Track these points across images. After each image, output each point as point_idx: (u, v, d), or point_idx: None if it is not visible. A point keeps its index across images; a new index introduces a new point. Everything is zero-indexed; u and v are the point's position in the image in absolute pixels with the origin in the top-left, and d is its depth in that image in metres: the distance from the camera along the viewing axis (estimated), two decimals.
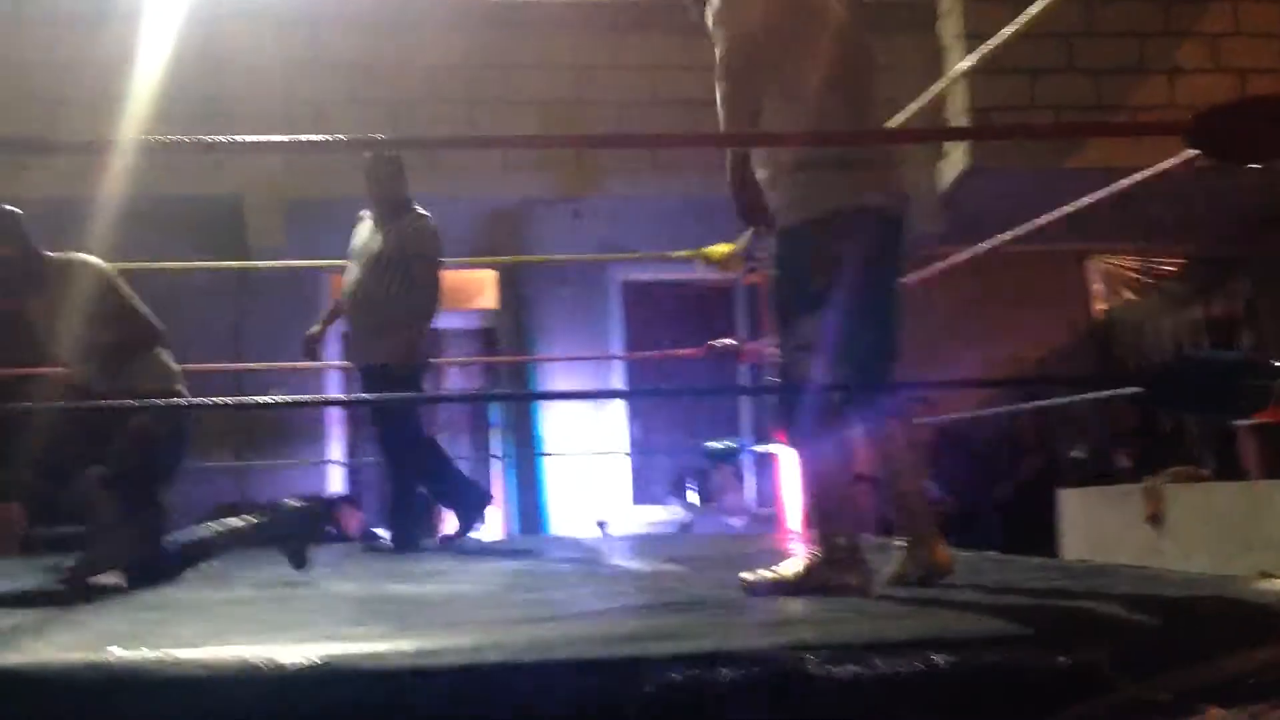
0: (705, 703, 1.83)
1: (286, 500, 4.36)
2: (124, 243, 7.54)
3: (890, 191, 3.02)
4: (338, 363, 7.59)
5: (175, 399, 3.87)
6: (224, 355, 7.54)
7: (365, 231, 5.54)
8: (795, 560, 2.94)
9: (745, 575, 2.92)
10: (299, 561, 4.02)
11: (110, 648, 1.89)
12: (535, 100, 8.46)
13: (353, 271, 5.45)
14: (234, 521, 4.14)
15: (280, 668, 1.84)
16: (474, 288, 9.63)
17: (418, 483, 5.59)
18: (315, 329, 5.61)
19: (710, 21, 3.00)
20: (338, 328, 5.92)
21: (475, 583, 3.48)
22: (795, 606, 2.63)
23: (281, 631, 2.29)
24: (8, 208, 3.93)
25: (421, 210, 5.50)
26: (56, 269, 3.95)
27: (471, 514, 5.68)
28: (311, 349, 5.59)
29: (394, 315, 5.32)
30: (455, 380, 9.66)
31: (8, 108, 8.13)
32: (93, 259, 4.06)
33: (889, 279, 3.06)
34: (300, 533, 4.13)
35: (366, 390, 5.48)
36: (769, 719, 1.83)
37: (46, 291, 3.90)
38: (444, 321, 9.52)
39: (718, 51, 2.96)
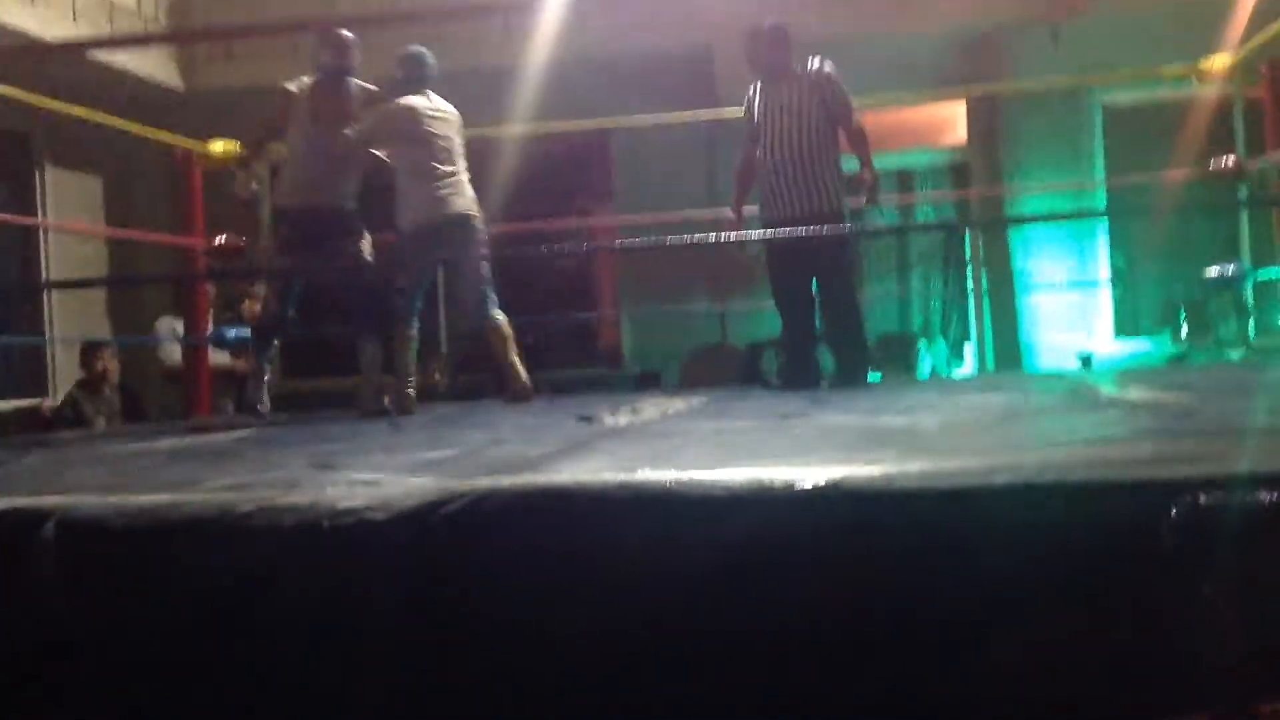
0: (1238, 528, 1.73)
1: None
2: (595, 100, 7.97)
3: None
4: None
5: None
6: (697, 203, 7.76)
7: (759, 99, 5.73)
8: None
9: None
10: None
11: (640, 469, 2.01)
12: None
13: (772, 132, 5.60)
14: None
15: (792, 487, 1.89)
16: (943, 122, 9.39)
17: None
18: (733, 216, 5.90)
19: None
20: None
21: (968, 413, 3.44)
22: None
23: (787, 456, 2.35)
24: None
25: (813, 62, 5.65)
26: None
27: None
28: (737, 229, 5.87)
29: (827, 164, 5.60)
30: (927, 218, 9.51)
31: None
32: None
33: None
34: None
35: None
36: None
37: None
38: (911, 159, 9.40)
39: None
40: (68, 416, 7.73)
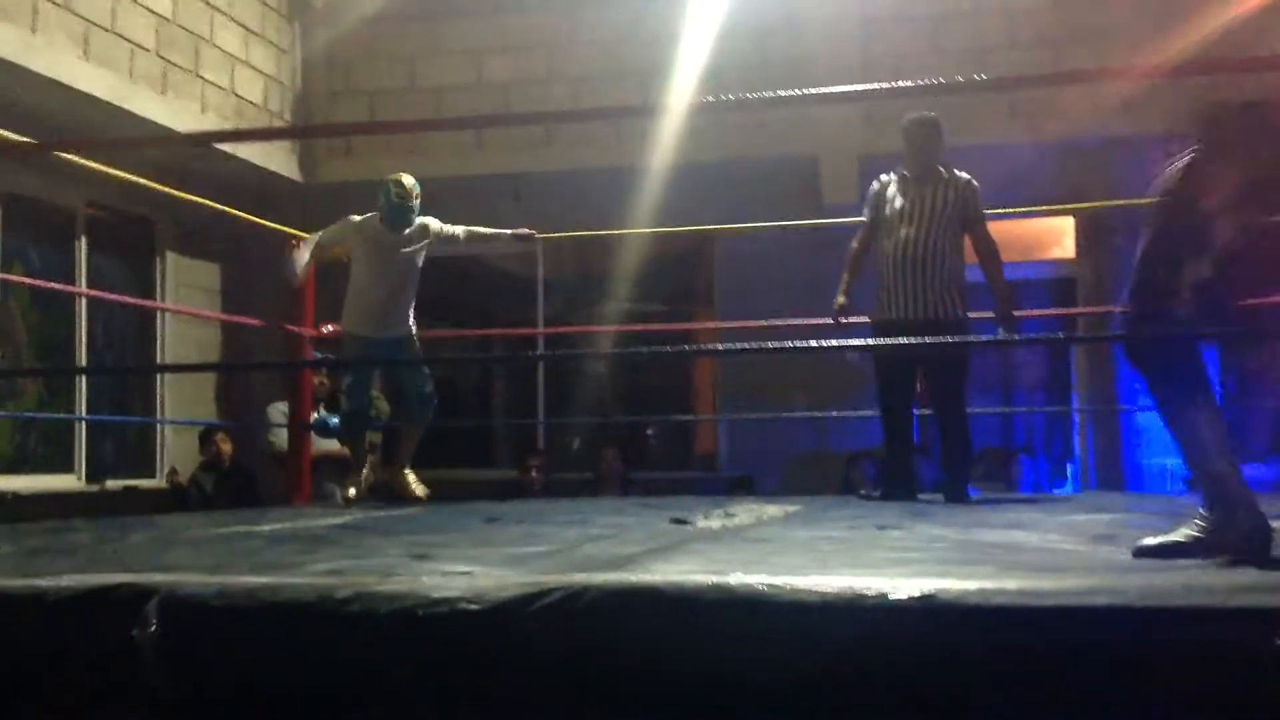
0: None
1: None
2: (702, 204, 8.06)
3: None
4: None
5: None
6: (799, 311, 7.76)
7: (893, 192, 5.60)
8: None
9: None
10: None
11: (732, 572, 2.01)
12: (1120, 33, 8.06)
13: (907, 228, 5.50)
14: None
15: (886, 598, 1.88)
16: (1050, 237, 9.34)
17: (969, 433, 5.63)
18: (842, 300, 5.69)
19: None
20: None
21: (1067, 532, 3.39)
22: None
23: (882, 567, 2.34)
24: None
25: (960, 171, 5.58)
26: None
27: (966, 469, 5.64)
28: (841, 321, 5.70)
29: (955, 271, 5.49)
30: (1031, 334, 9.41)
31: (605, 80, 8.82)
32: None
33: None
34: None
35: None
36: None
37: None
38: (1017, 272, 9.32)
39: None
40: (193, 495, 8.16)
